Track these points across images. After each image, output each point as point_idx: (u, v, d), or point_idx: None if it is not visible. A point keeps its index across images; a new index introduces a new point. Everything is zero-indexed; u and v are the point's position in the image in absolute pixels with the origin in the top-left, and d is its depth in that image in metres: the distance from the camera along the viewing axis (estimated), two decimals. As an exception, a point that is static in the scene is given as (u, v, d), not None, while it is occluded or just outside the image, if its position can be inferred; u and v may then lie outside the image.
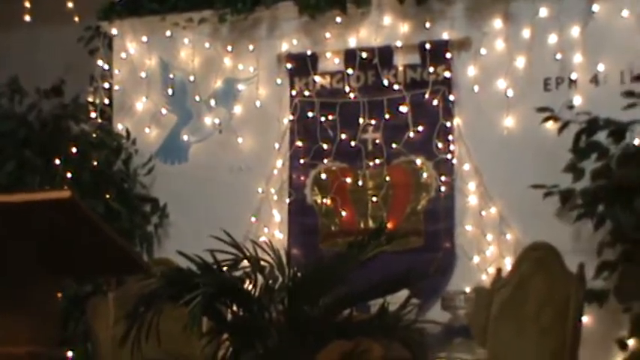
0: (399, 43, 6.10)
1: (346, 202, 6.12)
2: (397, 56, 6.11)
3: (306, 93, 6.24)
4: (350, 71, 6.16)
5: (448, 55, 6.01)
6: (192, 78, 6.50)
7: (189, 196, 6.37)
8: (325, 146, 6.15)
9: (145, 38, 6.61)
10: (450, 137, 5.97)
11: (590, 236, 5.44)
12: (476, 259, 5.84)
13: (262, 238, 5.42)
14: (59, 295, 3.74)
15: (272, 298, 3.19)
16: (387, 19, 6.16)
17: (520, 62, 5.90)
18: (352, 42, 6.20)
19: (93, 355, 5.37)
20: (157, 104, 6.59)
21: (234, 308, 3.25)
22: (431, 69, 6.02)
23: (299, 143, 6.21)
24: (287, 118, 6.27)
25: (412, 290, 3.47)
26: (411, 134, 6.02)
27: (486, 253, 5.83)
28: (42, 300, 3.29)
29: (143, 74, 6.61)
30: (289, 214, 6.20)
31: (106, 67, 6.65)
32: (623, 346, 5.25)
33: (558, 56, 5.81)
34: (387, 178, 6.05)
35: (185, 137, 6.52)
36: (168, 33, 6.55)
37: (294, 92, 6.27)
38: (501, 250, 5.79)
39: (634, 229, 5.11)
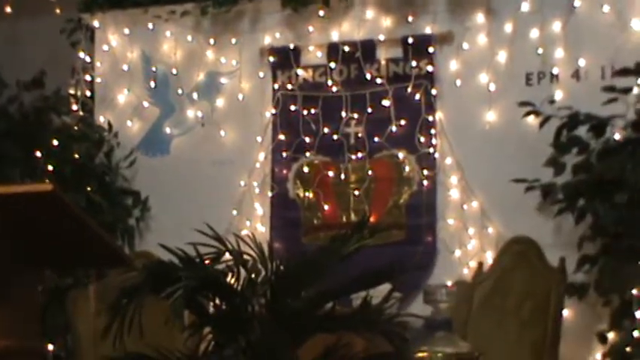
0: (381, 37, 6.10)
1: (329, 195, 6.12)
2: (380, 50, 6.11)
3: (289, 86, 6.23)
4: (332, 65, 6.15)
5: (431, 50, 6.01)
6: (174, 71, 6.47)
7: (171, 189, 6.35)
8: (308, 140, 6.15)
9: (127, 31, 6.58)
10: (432, 131, 5.98)
11: (570, 230, 5.46)
12: (457, 252, 5.86)
13: (244, 232, 5.43)
14: (39, 287, 3.73)
15: (254, 291, 3.19)
16: (370, 13, 6.16)
17: (502, 57, 5.91)
18: (335, 36, 6.19)
19: (73, 347, 5.36)
20: (139, 97, 6.56)
21: (217, 301, 3.24)
22: (413, 63, 6.02)
23: (281, 137, 6.21)
24: (269, 112, 6.26)
25: (394, 284, 3.47)
26: (394, 128, 6.03)
27: (468, 247, 5.85)
28: (22, 292, 3.27)
29: (125, 67, 6.58)
30: (271, 207, 6.19)
31: (88, 59, 6.61)
32: (603, 339, 5.28)
33: (540, 51, 5.82)
34: (370, 172, 6.05)
35: (167, 130, 6.50)
36: (150, 26, 6.52)
37: (276, 86, 6.26)
38: (483, 244, 5.81)
39: (614, 223, 5.14)
